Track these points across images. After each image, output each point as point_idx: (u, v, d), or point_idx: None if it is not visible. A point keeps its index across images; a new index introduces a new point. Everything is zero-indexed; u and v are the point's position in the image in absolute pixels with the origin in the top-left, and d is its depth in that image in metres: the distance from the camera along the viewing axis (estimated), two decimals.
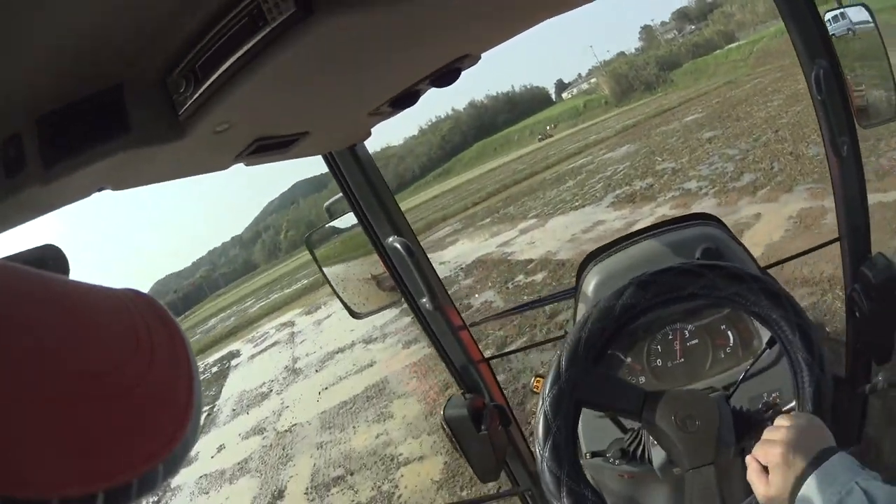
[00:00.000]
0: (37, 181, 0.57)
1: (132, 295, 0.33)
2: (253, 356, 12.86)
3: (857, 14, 1.15)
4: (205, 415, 8.87)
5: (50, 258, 0.37)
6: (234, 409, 8.81)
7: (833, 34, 1.11)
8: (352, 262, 1.34)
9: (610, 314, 0.91)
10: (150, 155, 0.64)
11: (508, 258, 9.18)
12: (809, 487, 0.69)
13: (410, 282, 1.30)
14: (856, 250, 1.22)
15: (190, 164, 0.79)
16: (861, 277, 1.20)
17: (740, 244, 1.32)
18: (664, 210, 7.86)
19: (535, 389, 1.41)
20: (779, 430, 0.76)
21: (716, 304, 1.10)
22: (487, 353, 1.47)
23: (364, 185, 1.23)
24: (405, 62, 0.83)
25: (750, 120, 12.27)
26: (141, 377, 0.29)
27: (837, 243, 1.27)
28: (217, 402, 9.74)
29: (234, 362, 13.39)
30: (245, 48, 0.56)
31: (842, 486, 0.66)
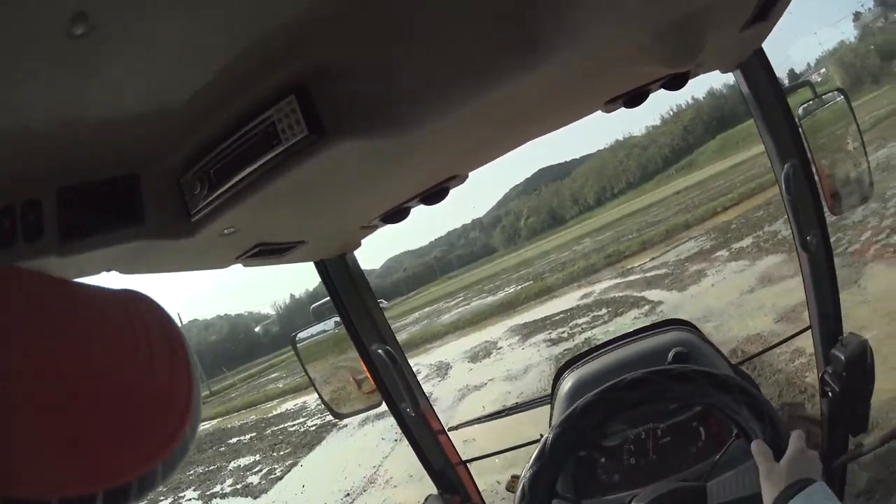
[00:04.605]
0: (53, 252, 0.66)
1: (133, 297, 0.36)
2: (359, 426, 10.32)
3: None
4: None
5: None
6: None
7: (803, 123, 1.25)
8: (335, 363, 1.55)
9: (562, 438, 1.05)
10: (160, 247, 0.78)
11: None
12: None
13: (392, 387, 1.47)
14: (827, 336, 1.39)
15: (195, 260, 0.98)
16: (832, 359, 1.36)
17: (712, 345, 1.53)
18: None
19: (510, 489, 1.57)
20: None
21: (675, 404, 1.33)
22: (465, 457, 1.61)
23: (352, 292, 1.43)
24: (400, 182, 1.04)
25: None
26: (140, 379, 0.32)
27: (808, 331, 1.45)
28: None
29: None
30: (259, 163, 0.72)
31: None
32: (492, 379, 9.98)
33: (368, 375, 1.49)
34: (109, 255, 0.75)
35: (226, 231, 0.83)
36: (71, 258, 0.68)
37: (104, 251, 0.72)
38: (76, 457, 0.28)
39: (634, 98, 1.02)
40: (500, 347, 12.63)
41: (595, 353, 1.62)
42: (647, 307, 10.33)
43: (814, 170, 1.28)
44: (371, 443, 8.58)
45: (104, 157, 0.69)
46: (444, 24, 0.67)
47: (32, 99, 0.55)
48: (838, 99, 1.29)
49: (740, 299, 8.11)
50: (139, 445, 0.31)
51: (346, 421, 10.05)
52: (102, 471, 0.29)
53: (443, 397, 9.77)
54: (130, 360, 0.32)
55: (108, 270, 0.82)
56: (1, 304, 0.29)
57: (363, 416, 9.43)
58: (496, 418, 1.96)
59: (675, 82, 1.02)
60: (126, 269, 0.86)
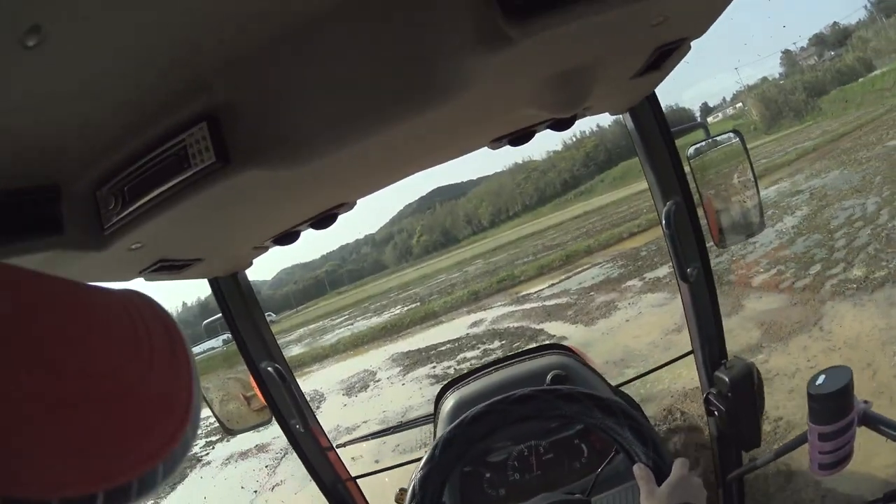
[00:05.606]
0: None
1: (133, 296, 0.37)
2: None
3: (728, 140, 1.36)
4: None
5: None
6: None
7: (692, 163, 1.33)
8: (226, 379, 1.58)
9: (452, 444, 1.07)
10: (72, 258, 0.83)
11: None
12: None
13: (282, 404, 1.52)
14: (710, 359, 1.48)
15: (102, 273, 1.00)
16: (716, 381, 1.44)
17: (591, 368, 1.62)
18: None
19: (398, 501, 1.69)
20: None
21: (561, 422, 1.44)
22: (354, 472, 1.69)
23: (243, 310, 1.48)
24: (293, 208, 1.10)
25: None
26: (141, 378, 0.32)
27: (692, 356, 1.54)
28: None
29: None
30: (170, 184, 0.77)
31: None
32: (366, 421, 8.86)
33: (258, 392, 1.53)
34: (24, 263, 0.76)
35: (133, 246, 0.88)
36: None
37: (21, 259, 0.74)
38: (76, 457, 0.28)
39: (520, 138, 1.10)
40: (379, 380, 11.55)
41: (476, 375, 1.77)
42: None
43: (701, 208, 1.37)
44: (230, 489, 7.76)
45: (29, 165, 0.72)
46: (345, 68, 0.74)
47: None
48: (733, 140, 1.35)
49: (665, 340, 6.52)
50: (140, 445, 0.31)
51: (209, 457, 9.34)
52: (103, 471, 0.29)
53: None
54: (130, 360, 0.33)
55: None
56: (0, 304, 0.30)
57: (227, 455, 9.03)
58: (382, 436, 2.05)
59: (561, 124, 1.08)
60: None
